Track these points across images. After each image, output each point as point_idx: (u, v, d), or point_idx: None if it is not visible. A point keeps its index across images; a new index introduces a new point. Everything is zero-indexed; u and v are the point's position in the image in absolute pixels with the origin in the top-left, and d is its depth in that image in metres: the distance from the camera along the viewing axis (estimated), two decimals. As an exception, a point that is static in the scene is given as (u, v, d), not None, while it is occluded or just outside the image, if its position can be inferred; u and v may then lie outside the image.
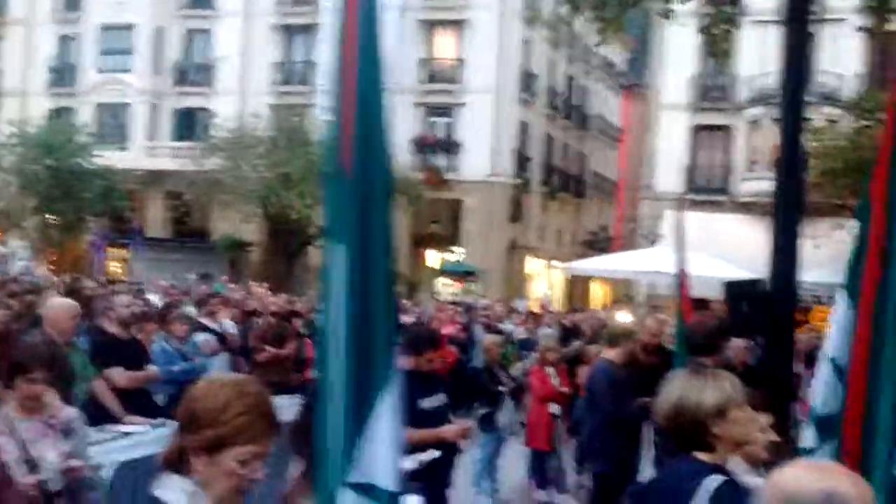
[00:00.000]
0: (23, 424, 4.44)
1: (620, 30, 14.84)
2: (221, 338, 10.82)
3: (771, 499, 1.88)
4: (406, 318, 14.05)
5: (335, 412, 2.24)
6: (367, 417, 2.23)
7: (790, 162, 8.21)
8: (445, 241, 35.82)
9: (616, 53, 47.83)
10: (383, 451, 2.25)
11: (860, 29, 13.74)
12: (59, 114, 37.74)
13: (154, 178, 36.36)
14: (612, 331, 8.00)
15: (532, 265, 38.50)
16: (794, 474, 1.90)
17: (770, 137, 26.04)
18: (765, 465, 3.46)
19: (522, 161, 36.72)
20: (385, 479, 2.26)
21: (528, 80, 36.85)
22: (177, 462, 2.44)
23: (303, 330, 11.75)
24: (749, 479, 3.06)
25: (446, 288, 34.48)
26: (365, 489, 2.27)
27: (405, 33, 35.30)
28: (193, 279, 24.91)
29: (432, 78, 35.90)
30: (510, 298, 28.78)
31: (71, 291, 12.39)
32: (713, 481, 2.89)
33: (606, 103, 48.34)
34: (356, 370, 2.23)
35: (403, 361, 5.80)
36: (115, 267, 32.66)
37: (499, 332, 13.83)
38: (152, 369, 7.70)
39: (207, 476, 2.38)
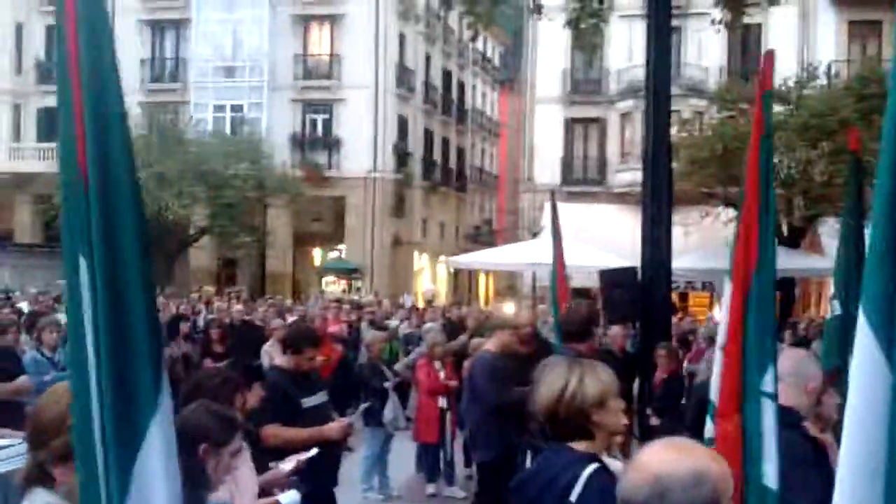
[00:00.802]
0: None
1: (492, 24, 15.04)
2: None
3: (638, 480, 1.88)
4: (290, 317, 13.92)
5: (97, 442, 2.02)
6: (136, 446, 2.02)
7: (657, 153, 8.52)
8: (329, 238, 35.60)
9: (491, 48, 48.51)
10: (159, 482, 2.04)
11: (716, 22, 14.28)
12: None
13: (20, 180, 34.89)
14: (490, 323, 8.14)
15: (417, 260, 38.66)
16: (660, 455, 1.91)
17: (641, 129, 26.89)
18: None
19: (403, 156, 36.81)
20: None
21: (404, 76, 36.93)
22: (39, 477, 2.38)
23: (189, 331, 11.56)
24: (611, 462, 3.14)
25: (332, 286, 34.27)
26: None
27: (279, 29, 34.91)
28: (64, 285, 24.03)
29: (308, 74, 35.57)
30: (396, 294, 28.85)
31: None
32: (588, 470, 2.96)
33: (484, 98, 48.92)
34: (115, 394, 2.00)
35: (284, 360, 5.80)
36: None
37: (384, 328, 13.86)
38: (23, 380, 7.40)
39: (72, 485, 2.31)
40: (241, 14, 34.80)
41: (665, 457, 1.90)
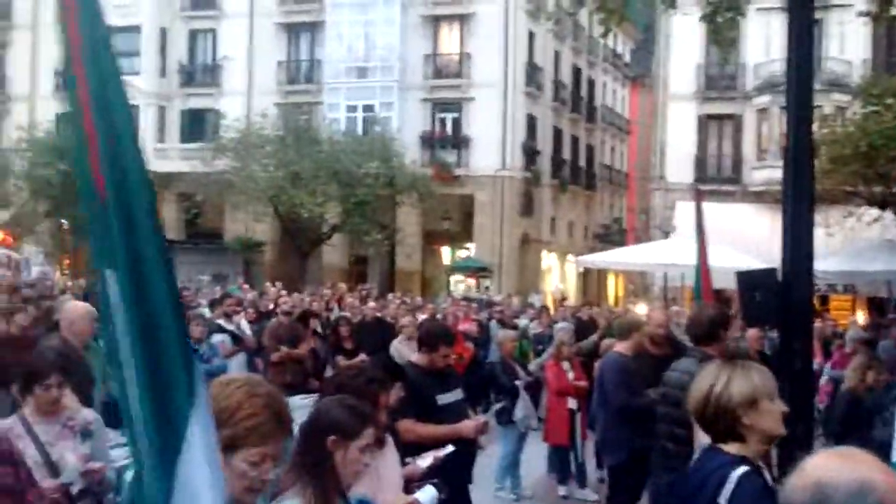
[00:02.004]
0: (41, 427, 4.48)
1: (624, 20, 14.78)
2: (237, 339, 10.86)
3: (801, 488, 1.84)
4: (421, 316, 14.08)
5: (143, 446, 2.04)
6: (176, 450, 2.03)
7: (799, 150, 8.20)
8: (458, 236, 35.82)
9: (622, 44, 47.78)
10: (202, 480, 2.05)
11: (862, 14, 13.61)
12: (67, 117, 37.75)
13: (165, 179, 36.46)
14: (621, 324, 8.02)
15: (545, 259, 38.47)
16: (826, 463, 1.86)
17: (779, 125, 25.96)
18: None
19: (532, 155, 36.69)
20: None
21: (534, 74, 36.80)
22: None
23: (319, 329, 11.78)
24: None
25: (460, 284, 34.47)
26: None
27: (410, 29, 35.34)
28: (206, 280, 24.99)
29: (438, 73, 35.88)
30: (524, 293, 28.79)
31: (86, 296, 12.48)
32: (738, 472, 2.91)
33: (614, 95, 48.24)
34: (153, 401, 2.02)
35: (419, 357, 5.87)
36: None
37: (514, 327, 13.84)
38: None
39: (229, 476, 2.36)
40: (374, 15, 35.40)
41: (829, 464, 1.85)
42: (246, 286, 21.19)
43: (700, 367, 3.47)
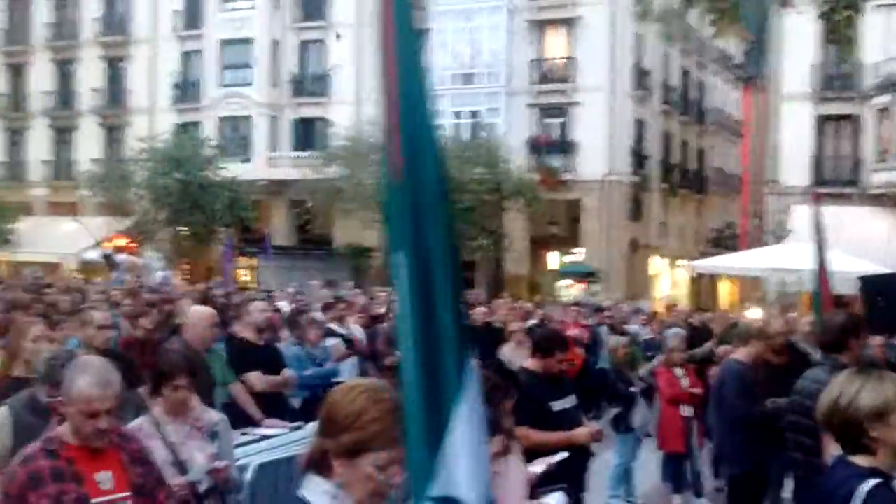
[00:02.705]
0: (170, 427, 4.64)
1: (736, 20, 14.45)
2: (349, 342, 11.02)
3: None
4: (531, 321, 14.02)
5: (413, 423, 2.16)
6: (443, 428, 2.12)
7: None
8: (565, 241, 35.58)
9: (732, 45, 46.61)
10: (464, 464, 2.13)
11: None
12: (184, 128, 39.15)
13: (277, 187, 37.38)
14: (741, 330, 7.81)
15: (655, 264, 37.86)
16: None
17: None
18: None
19: (640, 159, 36.17)
20: (468, 493, 2.14)
21: (641, 77, 36.28)
22: (318, 464, 2.50)
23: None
24: None
25: (568, 290, 34.22)
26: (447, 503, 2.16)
27: (516, 34, 35.32)
28: (317, 285, 25.46)
29: (544, 78, 35.72)
30: (632, 299, 28.38)
31: (204, 300, 12.87)
32: (867, 486, 2.80)
33: (724, 96, 47.12)
34: (427, 381, 2.13)
35: (533, 363, 5.84)
36: (244, 275, 33.67)
37: (624, 333, 13.65)
38: (288, 373, 7.89)
39: (347, 479, 2.42)
40: (479, 22, 35.52)
41: None
42: (356, 291, 21.46)
43: (832, 377, 3.35)
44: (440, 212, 2.14)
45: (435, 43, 36.21)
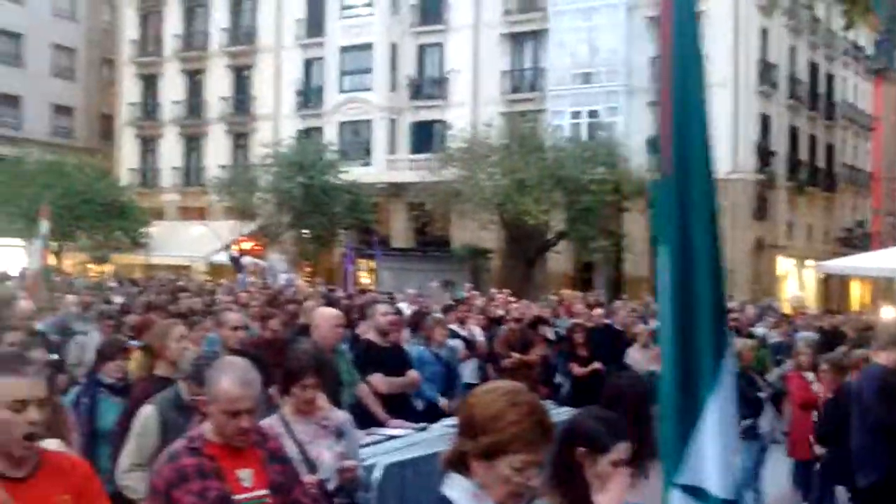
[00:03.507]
0: (299, 427, 4.75)
1: (868, 10, 13.91)
2: (470, 344, 11.08)
3: None
4: (654, 322, 13.77)
5: (667, 414, 2.24)
6: (695, 419, 2.19)
7: None
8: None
9: (863, 35, 44.77)
10: (713, 455, 2.19)
11: None
12: (307, 134, 40.12)
13: (396, 190, 37.86)
14: (883, 334, 7.48)
15: (781, 265, 36.68)
16: None
17: None
18: None
19: (765, 155, 35.08)
20: (715, 484, 2.19)
21: (767, 71, 35.20)
22: (458, 463, 2.54)
23: (550, 336, 11.79)
24: None
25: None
26: (694, 492, 2.23)
27: (635, 32, 34.78)
28: (435, 287, 25.67)
29: (666, 75, 35.02)
30: (758, 300, 27.56)
31: (328, 302, 13.15)
32: None
33: (855, 90, 45.30)
34: (682, 371, 2.20)
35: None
36: (363, 277, 34.23)
37: (750, 335, 13.26)
38: (413, 374, 7.99)
39: (486, 480, 2.45)
40: (598, 20, 35.16)
41: None
42: (474, 292, 21.57)
43: None
44: (706, 210, 2.21)
45: (553, 42, 36.04)
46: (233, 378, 3.44)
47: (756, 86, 34.41)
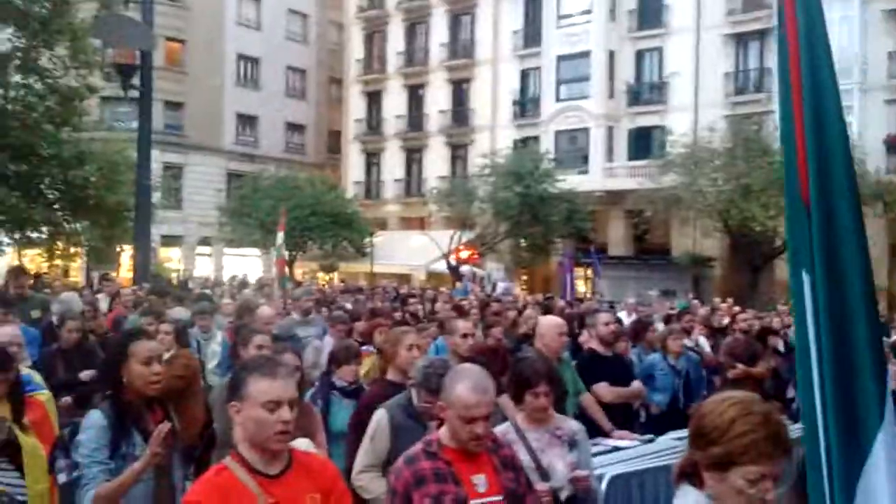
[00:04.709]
0: (531, 435, 4.76)
1: None
2: (697, 355, 10.75)
3: None
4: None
5: (816, 451, 2.05)
6: (863, 454, 2.00)
7: None
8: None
9: None
10: (888, 493, 1.99)
11: None
12: (524, 143, 40.46)
13: (613, 198, 37.45)
14: None
15: None
16: None
17: None
18: None
19: None
20: None
21: None
22: (690, 474, 2.47)
23: (781, 348, 11.25)
24: None
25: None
26: None
27: (870, 27, 32.68)
28: (655, 296, 25.16)
29: (905, 71, 32.72)
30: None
31: (547, 310, 13.16)
32: None
33: None
34: (841, 404, 2.01)
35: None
36: (581, 286, 34.10)
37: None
38: (637, 385, 7.85)
39: (718, 492, 2.40)
40: (829, 15, 32.88)
41: None
42: (696, 302, 20.95)
43: None
44: (854, 232, 2.02)
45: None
46: (469, 385, 3.50)
47: None
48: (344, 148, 49.62)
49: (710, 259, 34.19)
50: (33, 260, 28.72)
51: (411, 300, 15.58)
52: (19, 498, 4.28)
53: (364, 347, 7.78)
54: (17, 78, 22.16)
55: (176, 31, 42.73)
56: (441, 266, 36.50)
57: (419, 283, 34.40)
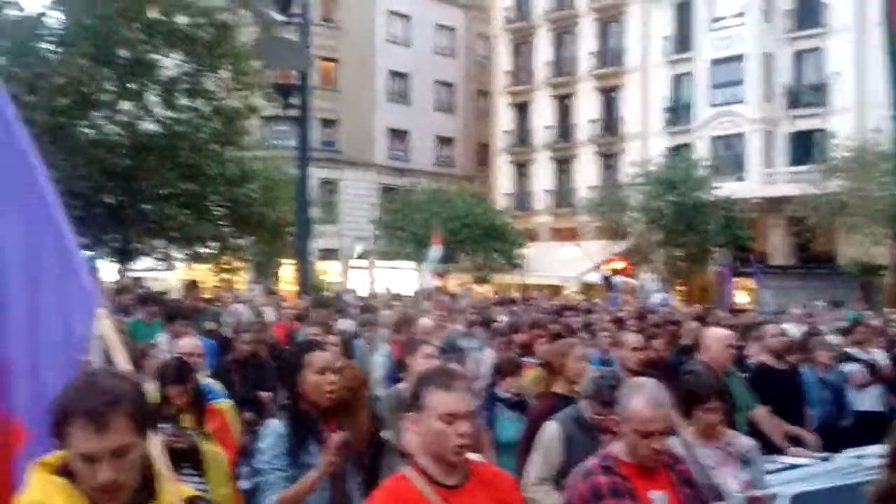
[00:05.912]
0: (702, 451, 4.61)
1: None
2: (873, 368, 10.22)
3: None
4: None
5: None
6: None
7: None
8: None
9: None
10: None
11: None
12: (677, 151, 39.57)
13: (773, 204, 36.12)
14: None
15: None
16: None
17: None
18: None
19: None
20: None
21: None
22: (889, 498, 2.33)
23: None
24: None
25: None
26: None
27: None
28: (822, 306, 24.05)
29: None
30: None
31: (702, 320, 12.76)
32: None
33: None
34: None
35: None
36: (741, 296, 32.98)
37: None
38: (811, 441, 7.31)
39: None
40: None
41: None
42: (867, 312, 19.88)
43: None
44: None
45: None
46: (645, 399, 3.44)
47: None
48: (492, 160, 49.88)
49: (881, 267, 32.45)
50: (202, 274, 30.15)
51: (567, 312, 15.43)
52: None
53: (524, 359, 7.77)
54: (184, 101, 23.38)
55: (329, 50, 44.03)
56: (594, 277, 36.09)
57: (571, 294, 34.12)
